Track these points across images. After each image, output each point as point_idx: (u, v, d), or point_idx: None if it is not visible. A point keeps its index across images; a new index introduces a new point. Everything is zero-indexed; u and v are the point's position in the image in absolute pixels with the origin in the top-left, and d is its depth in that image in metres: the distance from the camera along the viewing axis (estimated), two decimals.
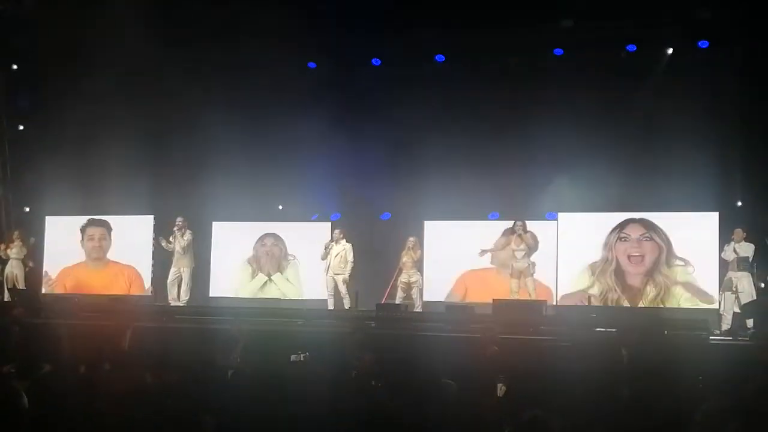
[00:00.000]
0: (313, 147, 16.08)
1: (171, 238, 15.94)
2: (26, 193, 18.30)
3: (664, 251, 14.92)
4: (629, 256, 15.09)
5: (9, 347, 7.78)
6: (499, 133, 16.27)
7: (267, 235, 16.99)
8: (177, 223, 15.96)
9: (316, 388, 5.11)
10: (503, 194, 16.55)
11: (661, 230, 15.02)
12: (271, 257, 16.87)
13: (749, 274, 13.46)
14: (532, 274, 14.60)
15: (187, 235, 15.95)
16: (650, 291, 14.84)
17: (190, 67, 16.80)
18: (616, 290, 15.03)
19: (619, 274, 15.11)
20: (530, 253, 14.76)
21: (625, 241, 15.17)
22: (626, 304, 14.93)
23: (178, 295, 15.93)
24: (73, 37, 15.67)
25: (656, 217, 15.26)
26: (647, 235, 15.06)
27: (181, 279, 15.96)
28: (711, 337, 11.70)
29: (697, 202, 14.86)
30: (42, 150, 17.68)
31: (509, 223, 15.20)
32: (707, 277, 14.44)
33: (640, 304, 14.84)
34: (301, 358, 8.41)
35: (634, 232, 15.18)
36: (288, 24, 14.51)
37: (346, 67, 17.35)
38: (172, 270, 16.00)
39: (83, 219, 17.43)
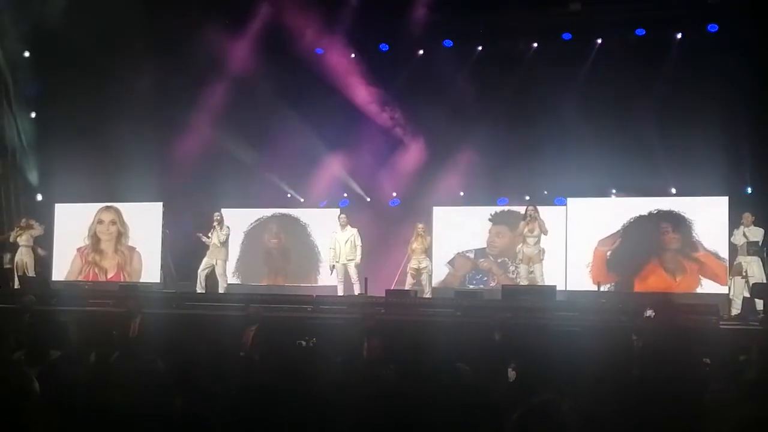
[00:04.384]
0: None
1: (210, 233, 15.77)
2: (36, 180, 18.31)
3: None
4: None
5: (19, 334, 7.82)
6: (507, 118, 16.23)
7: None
8: (215, 217, 15.86)
9: (327, 373, 5.12)
10: (512, 180, 16.55)
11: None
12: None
13: (759, 259, 13.41)
14: (541, 261, 14.44)
15: (225, 230, 15.83)
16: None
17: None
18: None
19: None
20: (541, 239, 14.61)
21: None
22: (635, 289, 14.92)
23: (205, 285, 15.83)
24: (84, 24, 15.65)
25: (666, 202, 15.25)
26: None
27: (213, 270, 15.87)
28: (721, 323, 11.66)
29: (707, 186, 14.82)
30: (52, 137, 17.68)
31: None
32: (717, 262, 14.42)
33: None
34: (310, 344, 8.43)
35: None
36: None
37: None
38: (205, 260, 15.78)
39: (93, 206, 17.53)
